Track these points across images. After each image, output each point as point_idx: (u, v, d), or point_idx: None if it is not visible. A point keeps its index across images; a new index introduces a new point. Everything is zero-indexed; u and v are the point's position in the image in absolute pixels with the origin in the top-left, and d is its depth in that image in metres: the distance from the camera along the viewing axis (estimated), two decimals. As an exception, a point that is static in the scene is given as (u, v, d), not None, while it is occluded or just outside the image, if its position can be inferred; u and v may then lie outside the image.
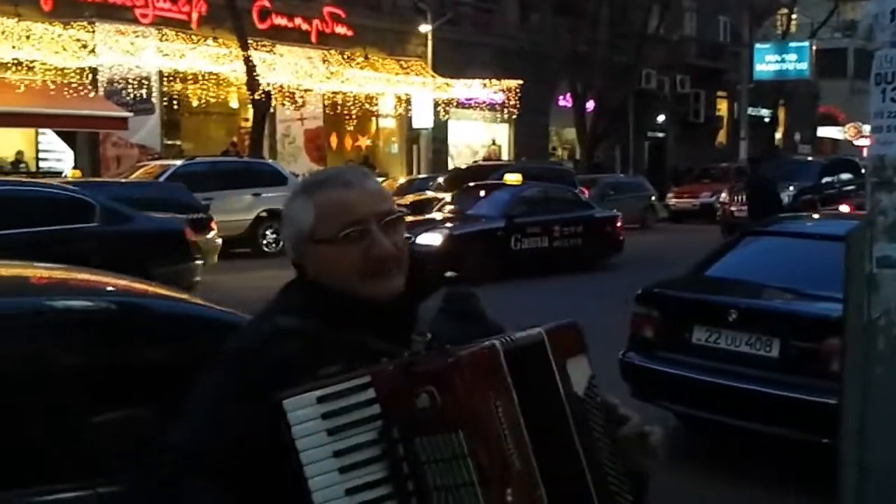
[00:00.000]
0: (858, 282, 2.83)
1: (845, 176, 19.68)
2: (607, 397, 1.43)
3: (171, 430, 1.36)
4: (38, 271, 2.66)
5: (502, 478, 1.25)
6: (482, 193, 13.05)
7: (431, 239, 11.05)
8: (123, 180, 13.74)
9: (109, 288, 2.47)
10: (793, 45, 28.73)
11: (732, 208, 16.64)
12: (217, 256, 11.22)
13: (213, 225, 11.35)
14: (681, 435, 5.22)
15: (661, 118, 31.17)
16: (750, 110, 28.43)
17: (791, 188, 17.75)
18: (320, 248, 1.39)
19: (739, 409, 4.54)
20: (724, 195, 18.10)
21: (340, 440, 1.25)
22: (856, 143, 34.88)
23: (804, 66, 27.51)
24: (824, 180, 18.81)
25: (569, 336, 1.42)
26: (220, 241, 11.41)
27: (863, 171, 20.14)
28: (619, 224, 13.73)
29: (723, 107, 34.44)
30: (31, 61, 15.87)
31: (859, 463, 2.89)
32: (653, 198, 22.23)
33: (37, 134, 17.86)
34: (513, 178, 13.56)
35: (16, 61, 15.71)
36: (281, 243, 14.73)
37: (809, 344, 4.35)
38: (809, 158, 23.47)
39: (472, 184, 14.18)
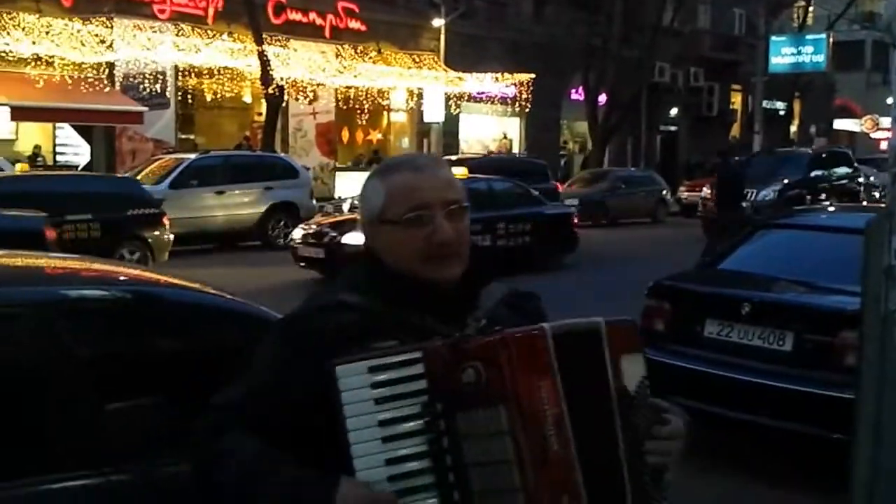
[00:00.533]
0: (876, 274, 2.82)
1: (840, 170, 18.46)
2: (658, 401, 1.45)
3: (224, 390, 1.41)
4: (53, 261, 2.68)
5: (539, 457, 1.27)
6: None
7: (355, 238, 10.08)
8: (67, 174, 13.57)
9: (123, 277, 2.47)
10: (809, 37, 28.37)
11: (715, 203, 16.34)
12: (168, 253, 10.89)
13: (166, 220, 11.04)
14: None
15: (673, 111, 30.98)
16: (764, 103, 28.14)
17: (786, 181, 16.67)
18: (386, 230, 1.43)
19: (751, 404, 4.51)
20: (706, 190, 16.93)
21: (386, 410, 1.28)
22: (873, 135, 34.53)
23: (821, 58, 27.16)
24: (813, 174, 17.49)
25: (627, 332, 1.43)
26: (171, 237, 11.15)
27: (856, 164, 19.17)
28: (573, 221, 12.92)
29: (737, 100, 34.18)
30: (51, 56, 16.00)
31: (873, 457, 2.87)
32: (664, 192, 22.10)
33: (54, 128, 18.00)
34: (458, 172, 12.98)
35: (35, 56, 15.84)
36: (290, 236, 14.80)
37: (823, 337, 4.32)
38: (808, 150, 21.02)
39: None
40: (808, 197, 16.33)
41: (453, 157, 18.53)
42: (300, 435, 1.33)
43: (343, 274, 1.50)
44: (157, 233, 10.83)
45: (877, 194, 22.15)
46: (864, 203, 16.75)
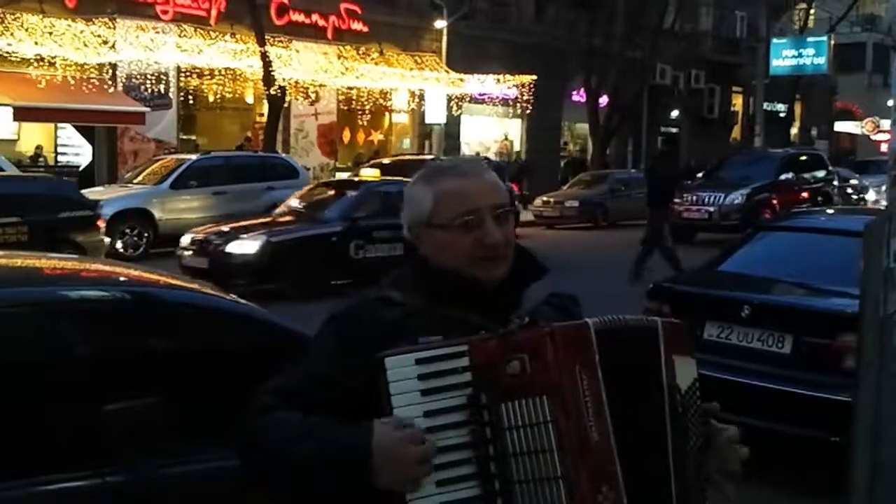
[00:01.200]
0: (875, 276, 2.82)
1: (813, 173, 17.31)
2: (711, 405, 1.49)
3: (275, 378, 1.46)
4: (52, 262, 2.69)
5: (579, 447, 1.31)
6: (331, 192, 11.42)
7: (244, 247, 9.54)
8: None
9: (123, 278, 2.49)
10: (811, 39, 28.36)
11: (681, 209, 15.21)
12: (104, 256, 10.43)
13: (101, 223, 10.74)
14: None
15: (675, 113, 30.98)
16: (765, 105, 28.13)
17: (755, 185, 15.76)
18: (435, 232, 1.48)
19: (751, 407, 4.50)
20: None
21: (432, 402, 1.32)
22: (874, 137, 34.53)
23: (822, 60, 27.15)
24: (783, 177, 16.48)
25: (682, 334, 1.47)
26: (107, 239, 10.88)
27: (830, 167, 18.26)
28: None
29: (738, 102, 34.19)
30: (53, 57, 15.98)
31: (871, 459, 2.88)
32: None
33: (56, 128, 18.02)
34: (370, 174, 12.07)
35: (38, 57, 15.84)
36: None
37: (822, 340, 4.34)
38: (779, 152, 19.35)
39: (326, 180, 12.88)
40: (776, 202, 15.59)
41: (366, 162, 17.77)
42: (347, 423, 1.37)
43: (391, 273, 1.55)
44: (89, 236, 10.41)
45: (855, 197, 21.11)
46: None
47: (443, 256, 1.47)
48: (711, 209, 15.61)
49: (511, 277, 1.49)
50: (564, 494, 1.29)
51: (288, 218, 10.78)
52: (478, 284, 1.45)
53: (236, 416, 1.45)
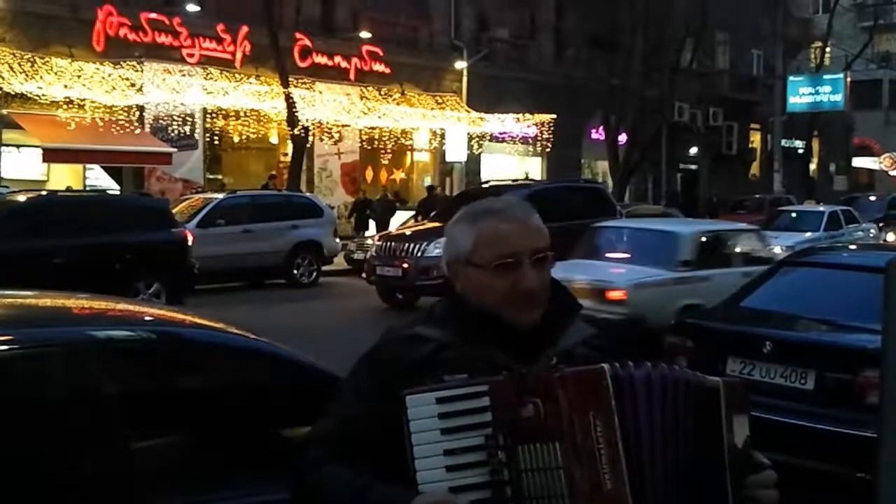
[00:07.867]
0: (896, 311, 2.85)
1: (579, 213, 11.22)
2: (757, 455, 1.49)
3: (317, 423, 1.51)
4: (80, 301, 2.68)
5: (591, 494, 1.32)
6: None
7: None
8: None
9: (148, 318, 2.52)
10: (827, 77, 28.48)
11: (375, 262, 11.55)
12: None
13: None
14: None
15: (693, 150, 31.06)
16: (783, 142, 28.15)
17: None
18: (473, 272, 1.51)
19: (774, 443, 4.49)
20: (371, 246, 12.62)
21: (452, 441, 1.34)
22: (892, 173, 34.34)
23: (838, 97, 27.22)
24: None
25: (741, 395, 1.48)
26: None
27: (617, 207, 13.06)
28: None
29: (756, 139, 34.22)
30: (82, 99, 16.43)
31: (897, 495, 2.88)
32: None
33: (84, 169, 18.42)
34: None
35: (67, 99, 16.28)
36: (314, 275, 14.54)
37: (846, 376, 4.34)
38: (523, 183, 14.51)
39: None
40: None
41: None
42: (384, 457, 1.41)
43: (427, 309, 1.59)
44: None
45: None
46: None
47: (478, 295, 1.49)
48: (406, 264, 11.21)
49: (545, 316, 1.50)
50: None
51: None
52: (509, 326, 1.47)
53: (288, 467, 1.48)
